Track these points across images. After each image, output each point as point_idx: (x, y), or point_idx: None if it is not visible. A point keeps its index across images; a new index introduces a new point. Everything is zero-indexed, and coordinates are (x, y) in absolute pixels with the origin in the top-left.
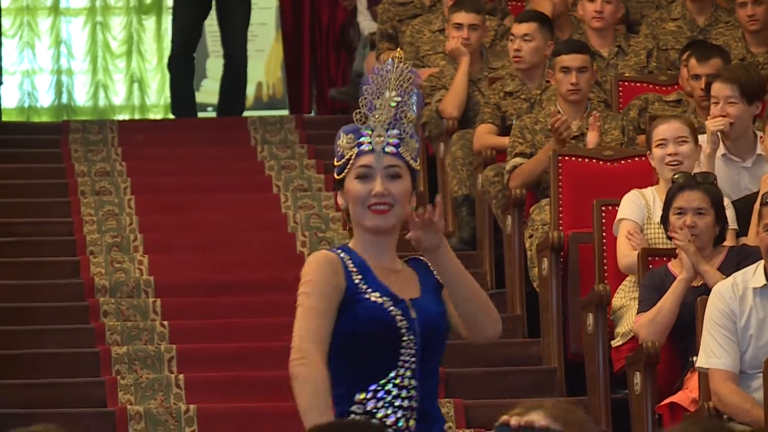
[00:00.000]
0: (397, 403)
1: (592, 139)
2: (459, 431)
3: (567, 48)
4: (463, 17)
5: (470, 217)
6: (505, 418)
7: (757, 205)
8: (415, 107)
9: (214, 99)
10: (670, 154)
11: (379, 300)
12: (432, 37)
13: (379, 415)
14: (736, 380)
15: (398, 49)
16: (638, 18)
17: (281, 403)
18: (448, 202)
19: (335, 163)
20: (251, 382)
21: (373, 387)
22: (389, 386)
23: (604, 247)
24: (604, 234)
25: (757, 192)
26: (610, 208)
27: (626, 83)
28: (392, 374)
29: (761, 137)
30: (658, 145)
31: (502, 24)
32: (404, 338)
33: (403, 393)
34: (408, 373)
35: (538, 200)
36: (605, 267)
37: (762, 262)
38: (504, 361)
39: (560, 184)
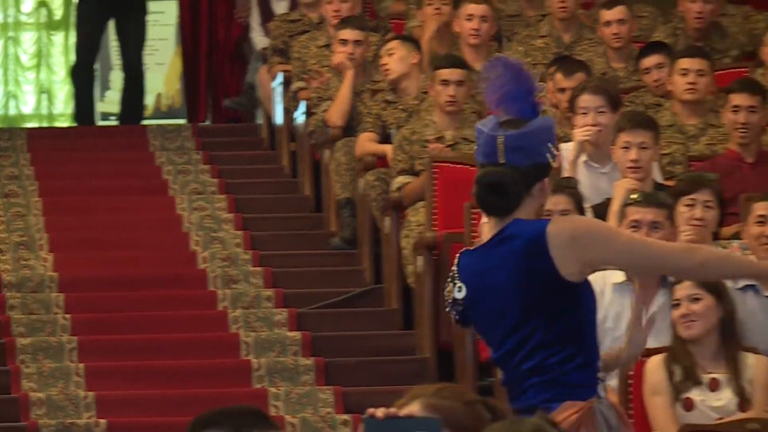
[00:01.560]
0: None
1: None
2: (338, 416)
3: (446, 63)
4: (348, 34)
5: (352, 218)
6: (371, 410)
7: (614, 208)
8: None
9: (117, 108)
10: None
11: None
12: (318, 51)
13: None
14: None
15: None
16: (509, 35)
17: (175, 390)
18: (332, 205)
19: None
20: (147, 371)
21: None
22: None
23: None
24: (474, 234)
25: None
26: (479, 210)
27: None
28: None
29: (612, 148)
30: None
31: (383, 39)
32: None
33: None
34: None
35: (415, 203)
36: None
37: None
38: (381, 351)
39: (435, 188)
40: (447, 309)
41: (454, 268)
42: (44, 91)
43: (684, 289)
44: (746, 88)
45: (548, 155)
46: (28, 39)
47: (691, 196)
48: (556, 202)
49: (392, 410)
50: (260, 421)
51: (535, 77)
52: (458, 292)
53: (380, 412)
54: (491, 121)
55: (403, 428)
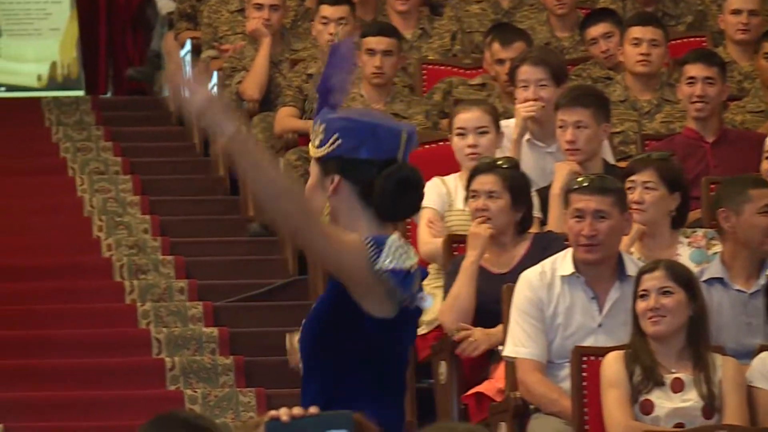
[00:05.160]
0: None
1: None
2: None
3: (374, 30)
4: None
5: None
6: (273, 413)
7: (555, 191)
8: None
9: (7, 79)
10: (469, 146)
11: None
12: (230, 17)
13: None
14: (543, 370)
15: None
16: (442, 0)
17: (79, 392)
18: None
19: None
20: (47, 371)
21: None
22: None
23: (409, 234)
24: (408, 220)
25: None
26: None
27: (430, 66)
28: None
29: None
30: (458, 134)
31: (302, 4)
32: None
33: None
34: None
35: None
36: None
37: (571, 250)
38: None
39: None
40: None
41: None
42: None
43: (654, 280)
44: (702, 59)
45: None
46: None
47: (630, 178)
48: (482, 182)
49: (297, 410)
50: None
51: (350, 73)
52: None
53: (284, 414)
54: (375, 111)
55: (311, 428)
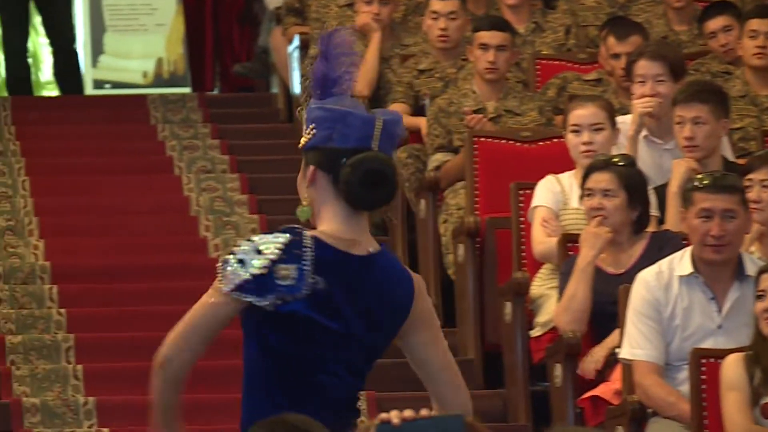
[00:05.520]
0: None
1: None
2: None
3: (487, 24)
4: None
5: None
6: (384, 415)
7: (673, 189)
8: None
9: (113, 75)
10: (584, 143)
11: None
12: (339, 12)
13: None
14: (661, 372)
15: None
16: None
17: (186, 395)
18: None
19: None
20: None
21: None
22: None
23: (522, 233)
24: (522, 219)
25: None
26: (528, 191)
27: (544, 61)
28: None
29: None
30: (573, 131)
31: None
32: None
33: None
34: None
35: (453, 183)
36: (523, 253)
37: (689, 249)
38: None
39: (476, 166)
40: None
41: None
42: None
43: None
44: None
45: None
46: None
47: (748, 176)
48: (598, 179)
49: (408, 413)
50: None
51: (351, 60)
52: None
53: (396, 417)
54: (349, 100)
55: (423, 431)
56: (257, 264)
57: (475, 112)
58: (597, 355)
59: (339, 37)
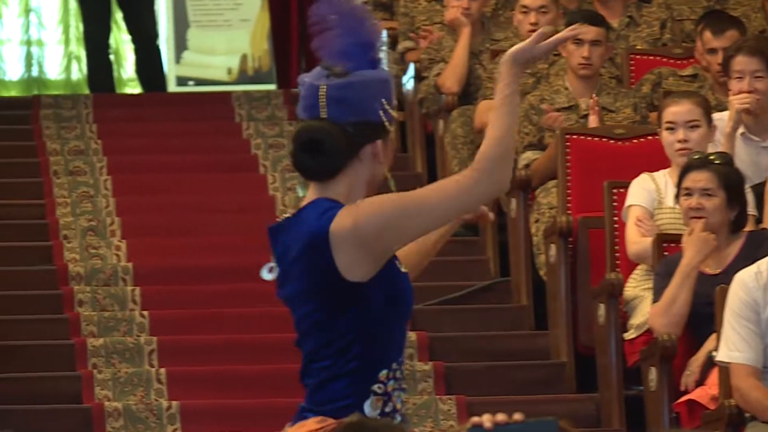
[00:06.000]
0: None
1: (592, 124)
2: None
3: (582, 18)
4: None
5: None
6: (476, 419)
7: None
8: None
9: (196, 72)
10: (679, 141)
11: (403, 270)
12: (428, 6)
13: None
14: (759, 375)
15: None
16: None
17: (269, 399)
18: None
19: None
20: (238, 377)
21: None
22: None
23: (616, 233)
24: (615, 218)
25: None
26: (622, 190)
27: (638, 56)
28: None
29: None
30: (668, 128)
31: None
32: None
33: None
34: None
35: (545, 182)
36: (617, 254)
37: None
38: (510, 355)
39: (568, 164)
40: None
41: None
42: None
43: None
44: None
45: (381, 113)
46: None
47: None
48: (696, 179)
49: (501, 416)
50: None
51: (376, 26)
52: (267, 273)
53: (488, 421)
54: (317, 70)
55: None
56: None
57: (568, 108)
58: (694, 366)
59: (349, 6)
